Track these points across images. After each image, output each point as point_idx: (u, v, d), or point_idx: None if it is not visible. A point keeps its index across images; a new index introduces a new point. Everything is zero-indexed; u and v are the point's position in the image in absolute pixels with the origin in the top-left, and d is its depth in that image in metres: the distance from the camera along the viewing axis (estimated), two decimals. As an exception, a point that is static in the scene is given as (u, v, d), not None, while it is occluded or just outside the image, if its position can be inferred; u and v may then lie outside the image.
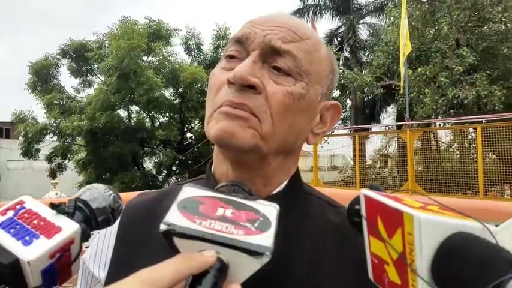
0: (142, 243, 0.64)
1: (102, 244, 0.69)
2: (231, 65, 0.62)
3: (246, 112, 0.58)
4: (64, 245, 0.44)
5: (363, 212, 0.49)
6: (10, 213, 0.45)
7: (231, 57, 0.63)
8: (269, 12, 0.69)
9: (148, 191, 0.79)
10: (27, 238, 0.43)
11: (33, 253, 0.41)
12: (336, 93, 15.42)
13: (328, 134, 10.49)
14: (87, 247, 0.73)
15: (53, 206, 0.46)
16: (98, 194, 0.50)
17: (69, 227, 0.45)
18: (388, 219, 0.44)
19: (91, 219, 0.48)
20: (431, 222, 0.39)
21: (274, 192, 0.65)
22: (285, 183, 0.67)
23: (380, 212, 0.45)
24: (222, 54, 0.68)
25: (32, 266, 0.41)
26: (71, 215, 0.46)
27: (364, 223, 0.49)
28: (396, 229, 0.42)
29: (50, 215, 0.46)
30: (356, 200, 0.52)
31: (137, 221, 0.67)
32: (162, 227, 0.40)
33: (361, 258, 0.61)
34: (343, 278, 0.61)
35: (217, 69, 0.65)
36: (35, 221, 0.45)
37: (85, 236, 0.46)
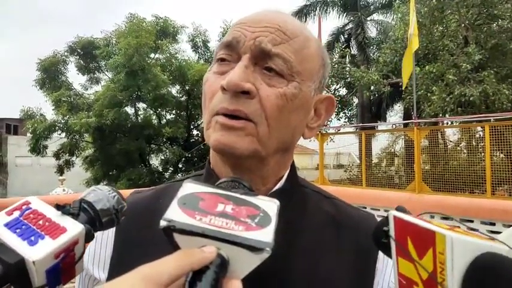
0: (143, 241, 0.64)
1: (100, 245, 0.69)
2: (223, 69, 0.63)
3: (242, 121, 0.59)
4: (69, 245, 0.44)
5: (392, 233, 0.49)
6: (16, 214, 0.46)
7: (222, 60, 0.64)
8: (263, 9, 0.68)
9: (141, 189, 0.79)
10: (32, 238, 0.43)
11: (38, 253, 0.42)
12: (343, 91, 15.35)
13: (334, 132, 10.46)
14: None
15: (58, 207, 0.47)
16: (102, 195, 0.50)
17: (74, 228, 0.45)
18: (419, 240, 0.45)
19: (95, 220, 0.48)
20: (462, 242, 0.41)
21: (273, 190, 0.66)
22: (283, 179, 0.68)
23: (410, 233, 0.46)
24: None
25: (37, 266, 0.42)
26: (75, 216, 0.47)
27: (393, 244, 0.49)
28: (427, 249, 0.43)
29: (55, 215, 0.46)
30: (383, 222, 0.52)
31: (136, 220, 0.67)
32: (162, 223, 0.40)
33: (357, 248, 0.65)
34: (341, 269, 0.63)
35: (210, 73, 0.65)
36: (41, 222, 0.45)
37: (89, 237, 0.47)
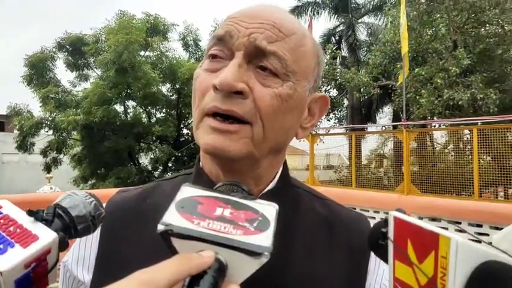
0: (130, 242, 0.62)
1: (85, 245, 0.67)
2: (215, 66, 0.60)
3: (236, 125, 0.57)
4: (40, 254, 0.42)
5: (391, 234, 0.47)
6: None
7: (213, 56, 0.61)
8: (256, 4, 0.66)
9: (127, 188, 0.77)
10: (1, 246, 0.41)
11: (6, 263, 0.39)
12: (333, 92, 15.41)
13: (324, 133, 10.49)
14: None
15: (31, 212, 0.44)
16: (78, 201, 0.47)
17: (46, 236, 0.43)
18: (420, 243, 0.43)
19: (70, 227, 0.46)
20: (467, 246, 0.39)
21: (266, 190, 0.65)
22: (276, 179, 0.67)
23: (411, 235, 0.44)
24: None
25: (4, 277, 0.39)
26: (49, 223, 0.44)
27: (391, 246, 0.47)
28: (429, 253, 0.41)
29: (27, 222, 0.44)
30: (380, 224, 0.50)
31: (122, 220, 0.65)
32: (160, 227, 0.39)
33: (349, 249, 0.65)
34: (335, 269, 0.63)
35: (200, 70, 0.63)
36: (11, 228, 0.43)
37: (63, 245, 0.44)
